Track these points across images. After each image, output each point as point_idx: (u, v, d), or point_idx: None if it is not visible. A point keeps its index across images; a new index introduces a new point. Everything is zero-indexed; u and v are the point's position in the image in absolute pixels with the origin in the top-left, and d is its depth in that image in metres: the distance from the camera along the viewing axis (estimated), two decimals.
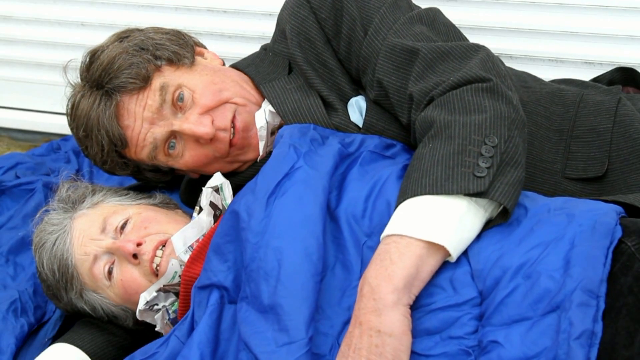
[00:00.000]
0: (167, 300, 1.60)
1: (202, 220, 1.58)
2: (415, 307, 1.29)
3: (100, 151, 1.66)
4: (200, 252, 1.53)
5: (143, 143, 1.64)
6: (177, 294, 1.59)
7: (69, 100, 1.69)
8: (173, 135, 1.64)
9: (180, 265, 1.55)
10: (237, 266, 1.44)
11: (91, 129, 1.63)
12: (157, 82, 1.62)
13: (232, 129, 1.64)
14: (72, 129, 1.70)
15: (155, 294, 1.57)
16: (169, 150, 1.66)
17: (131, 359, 1.48)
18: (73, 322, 1.76)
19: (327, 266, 1.38)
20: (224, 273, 1.44)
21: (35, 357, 1.65)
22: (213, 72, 1.68)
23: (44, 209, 1.75)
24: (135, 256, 1.56)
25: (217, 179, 1.60)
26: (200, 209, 1.60)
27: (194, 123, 1.60)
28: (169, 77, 1.63)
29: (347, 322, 1.34)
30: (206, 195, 1.59)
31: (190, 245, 1.55)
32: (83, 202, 1.70)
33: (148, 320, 1.61)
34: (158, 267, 1.57)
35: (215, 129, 1.61)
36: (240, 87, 1.68)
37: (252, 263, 1.36)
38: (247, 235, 1.39)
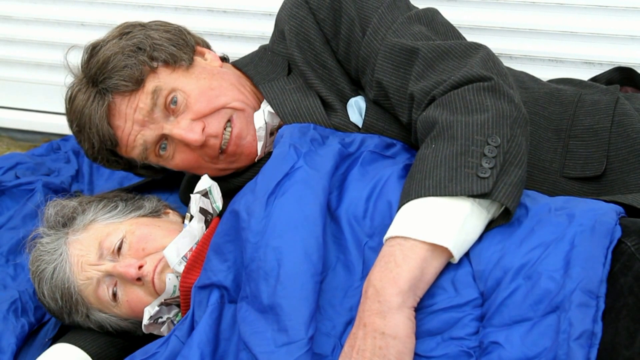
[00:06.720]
0: (171, 313, 1.60)
1: (194, 228, 1.57)
2: (418, 308, 1.29)
3: (91, 147, 1.68)
4: (195, 261, 1.53)
5: (133, 144, 1.65)
6: (179, 305, 1.59)
7: (68, 89, 1.70)
8: (164, 137, 1.65)
9: (177, 277, 1.54)
10: (237, 266, 1.43)
11: (83, 125, 1.65)
12: (150, 85, 1.61)
13: (225, 134, 1.63)
14: (68, 121, 1.72)
15: (157, 308, 1.57)
16: (160, 152, 1.67)
17: (131, 359, 1.48)
18: None
19: (328, 266, 1.38)
20: (224, 273, 1.44)
21: (36, 357, 1.65)
22: (211, 75, 1.67)
23: (33, 234, 1.71)
24: (139, 279, 1.56)
25: (205, 183, 1.60)
26: (191, 217, 1.59)
27: (184, 129, 1.60)
28: (163, 80, 1.62)
29: (349, 322, 1.34)
30: (195, 201, 1.59)
31: (184, 256, 1.54)
32: (74, 222, 1.67)
33: (155, 332, 1.62)
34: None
35: (205, 136, 1.61)
36: (239, 92, 1.67)
37: (252, 263, 1.36)
38: (247, 235, 1.39)
